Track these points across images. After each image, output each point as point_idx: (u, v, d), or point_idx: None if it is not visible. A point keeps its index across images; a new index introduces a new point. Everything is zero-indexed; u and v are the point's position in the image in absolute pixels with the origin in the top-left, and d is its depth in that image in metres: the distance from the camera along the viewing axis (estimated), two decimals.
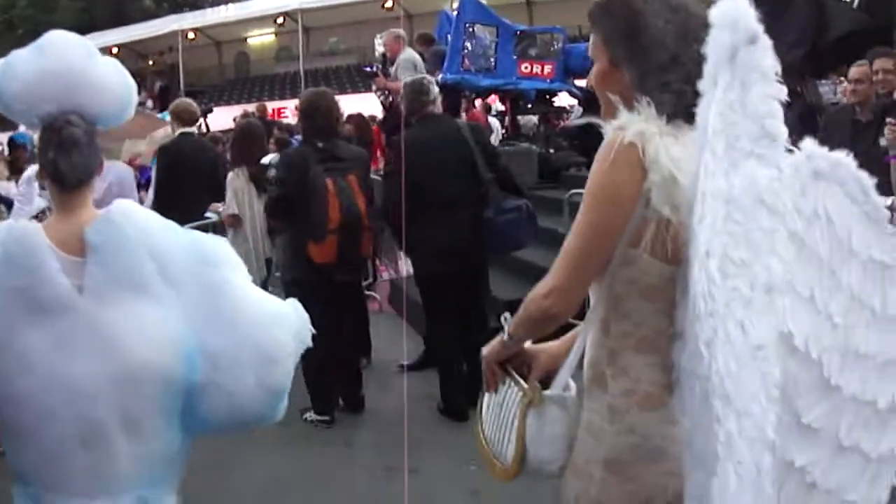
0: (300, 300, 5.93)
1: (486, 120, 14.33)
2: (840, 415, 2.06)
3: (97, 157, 2.98)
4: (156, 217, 2.99)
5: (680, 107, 2.10)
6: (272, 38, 46.42)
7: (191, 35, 40.70)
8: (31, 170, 7.58)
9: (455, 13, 12.03)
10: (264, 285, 7.16)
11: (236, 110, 19.38)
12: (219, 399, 2.91)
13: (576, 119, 12.95)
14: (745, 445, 1.81)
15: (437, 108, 6.55)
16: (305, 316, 3.18)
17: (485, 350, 2.46)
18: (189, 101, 8.85)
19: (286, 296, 6.24)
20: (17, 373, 2.78)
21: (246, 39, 46.98)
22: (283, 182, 6.26)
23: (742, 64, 1.82)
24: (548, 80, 12.20)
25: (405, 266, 10.03)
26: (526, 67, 12.08)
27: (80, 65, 2.92)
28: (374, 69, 9.99)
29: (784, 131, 1.86)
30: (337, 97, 6.58)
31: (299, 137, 7.69)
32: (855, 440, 2.09)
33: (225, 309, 2.92)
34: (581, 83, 11.99)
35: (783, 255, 1.88)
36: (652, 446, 2.19)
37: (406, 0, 29.56)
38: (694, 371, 1.92)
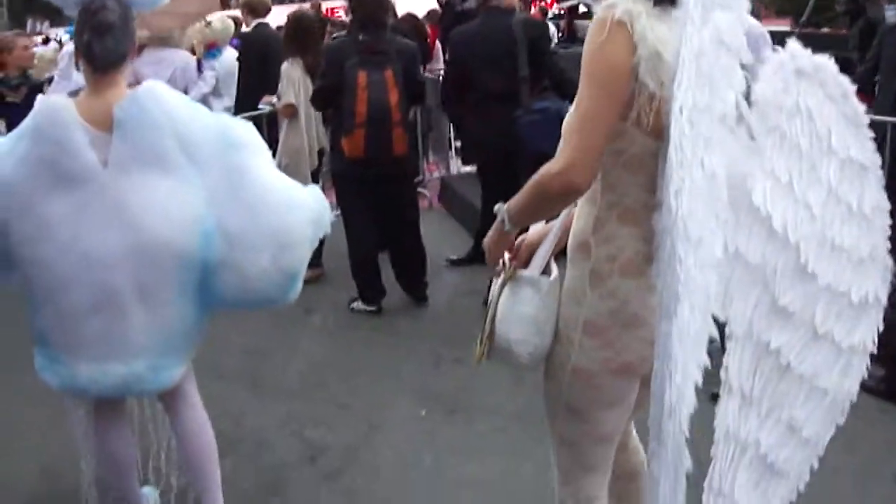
0: (339, 191, 6.05)
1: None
2: (815, 302, 2.20)
3: (131, 40, 3.11)
4: (183, 99, 3.13)
5: None
6: None
7: None
8: (70, 46, 7.66)
9: None
10: (315, 176, 7.24)
11: (291, 9, 19.25)
12: (234, 278, 3.08)
13: None
14: (699, 274, 1.95)
15: (502, 1, 6.44)
16: (326, 204, 3.31)
17: (486, 239, 2.51)
18: None
19: (333, 187, 6.40)
20: (38, 238, 2.96)
21: None
22: (323, 73, 6.34)
23: None
24: None
25: (456, 164, 10.07)
26: None
27: None
28: None
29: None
30: None
31: None
32: (828, 328, 2.23)
33: (245, 191, 3.05)
34: None
35: (738, 88, 2.01)
36: (630, 312, 2.31)
37: None
38: (665, 227, 2.03)
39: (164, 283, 3.05)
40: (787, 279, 2.14)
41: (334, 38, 8.98)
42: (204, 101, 7.61)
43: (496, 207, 2.42)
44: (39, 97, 3.12)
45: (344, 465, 4.33)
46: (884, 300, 2.36)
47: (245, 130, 3.18)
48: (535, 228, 2.56)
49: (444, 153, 10.24)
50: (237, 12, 9.83)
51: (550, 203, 2.29)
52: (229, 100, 8.14)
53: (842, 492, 3.80)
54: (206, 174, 3.04)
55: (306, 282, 6.98)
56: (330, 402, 5.06)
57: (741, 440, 2.17)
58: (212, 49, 8.33)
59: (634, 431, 2.79)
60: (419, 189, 8.78)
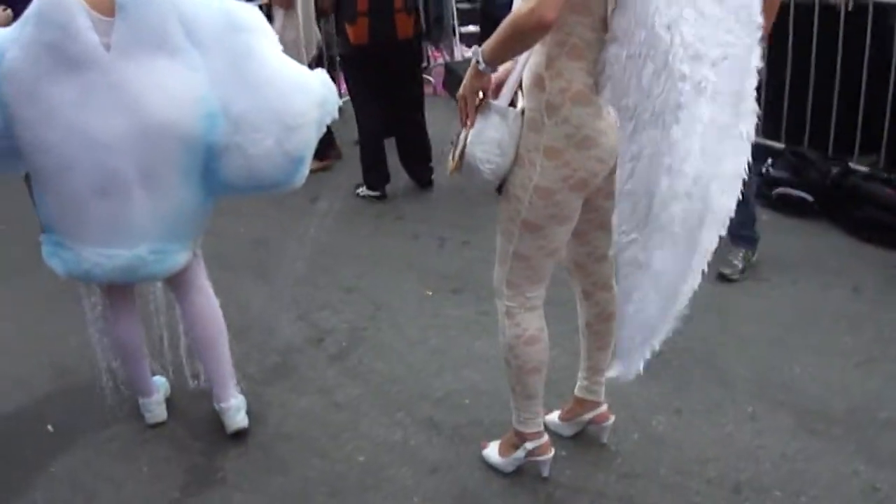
0: (347, 75, 6.01)
1: None
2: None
3: None
4: None
5: None
6: None
7: None
8: None
9: None
10: (313, 66, 7.15)
11: None
12: (238, 161, 3.10)
13: None
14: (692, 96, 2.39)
15: None
16: (332, 87, 3.28)
17: (462, 87, 2.76)
18: None
19: (342, 70, 6.38)
20: (41, 122, 2.98)
21: None
22: None
23: None
24: None
25: (460, 50, 9.96)
26: None
27: None
28: None
29: None
30: None
31: None
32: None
33: (249, 74, 3.04)
34: None
35: None
36: (583, 135, 2.66)
37: None
38: (647, 55, 2.43)
39: (167, 167, 3.07)
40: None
41: None
42: None
43: (472, 50, 2.74)
44: None
45: (350, 345, 4.39)
46: (752, 136, 2.62)
47: (251, 14, 3.15)
48: (504, 67, 2.79)
49: (449, 39, 10.13)
50: None
51: (523, 39, 2.54)
52: None
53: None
54: (210, 57, 3.04)
55: (314, 171, 7.08)
56: (335, 286, 5.11)
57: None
58: None
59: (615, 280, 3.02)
60: (424, 76, 8.70)
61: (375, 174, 6.56)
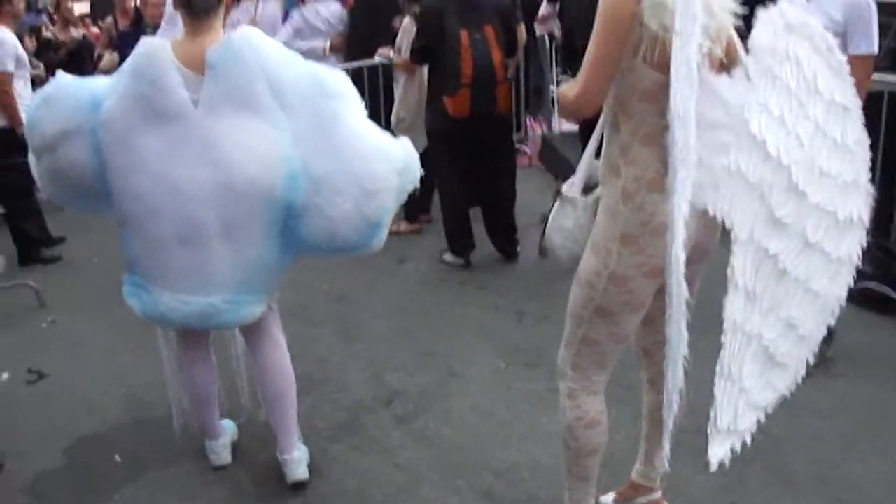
0: (436, 148, 5.92)
1: None
2: (806, 217, 2.58)
3: None
4: (277, 45, 3.23)
5: None
6: None
7: None
8: None
9: None
10: None
11: None
12: (318, 221, 3.18)
13: None
14: (683, 143, 2.39)
15: None
16: (414, 154, 3.35)
17: None
18: None
19: (429, 143, 6.42)
20: (131, 170, 3.16)
21: None
22: (420, 32, 6.33)
23: None
24: None
25: (558, 122, 10.01)
26: None
27: None
28: None
29: None
30: None
31: None
32: (819, 240, 2.62)
33: (333, 138, 3.13)
34: None
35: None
36: (658, 222, 2.65)
37: None
38: (670, 145, 2.45)
39: (247, 221, 3.18)
40: (782, 195, 2.51)
41: None
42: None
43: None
44: (142, 39, 3.27)
45: (419, 409, 4.43)
46: (866, 221, 2.83)
47: (338, 80, 3.25)
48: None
49: (547, 110, 10.20)
50: None
51: (565, 115, 2.79)
52: (318, 42, 8.19)
53: None
54: (296, 118, 3.14)
55: (403, 233, 7.15)
56: (412, 349, 5.17)
57: (747, 332, 2.54)
58: None
59: None
60: (519, 146, 8.78)
61: (460, 242, 6.61)
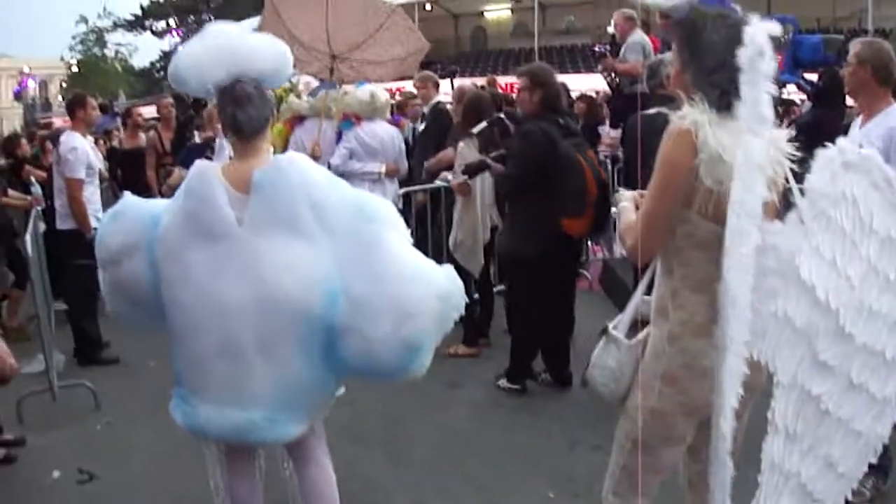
0: (534, 275, 6.09)
1: None
2: (852, 358, 2.55)
3: (269, 108, 3.42)
4: (323, 171, 3.36)
5: (725, 100, 2.70)
6: (508, 13, 46.54)
7: (428, 6, 41.23)
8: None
9: None
10: (486, 251, 7.42)
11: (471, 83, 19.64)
12: (356, 343, 3.20)
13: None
14: (737, 326, 2.48)
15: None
16: (459, 282, 3.35)
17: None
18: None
19: (513, 274, 6.40)
20: (179, 283, 3.25)
21: (482, 13, 47.16)
22: (529, 160, 6.13)
23: (755, 70, 2.45)
24: None
25: (619, 246, 10.00)
26: None
27: (236, 38, 3.37)
28: (603, 50, 9.93)
29: (771, 114, 2.48)
30: (571, 76, 6.59)
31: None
32: (863, 380, 2.58)
33: (374, 261, 3.18)
34: (811, 76, 11.51)
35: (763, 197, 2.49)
36: (700, 366, 2.79)
37: None
38: (723, 293, 2.55)
39: (286, 339, 3.21)
40: (828, 339, 2.53)
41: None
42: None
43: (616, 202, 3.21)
44: (197, 161, 3.40)
45: None
46: None
47: (381, 205, 3.33)
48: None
49: (608, 235, 10.21)
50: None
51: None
52: (365, 166, 8.27)
53: None
54: (337, 241, 3.20)
55: (461, 356, 7.13)
56: (460, 474, 5.12)
57: (785, 471, 2.59)
58: (346, 119, 8.45)
59: None
60: (581, 270, 8.79)
61: (523, 370, 6.55)
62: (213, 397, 3.29)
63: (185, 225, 3.27)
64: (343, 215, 3.23)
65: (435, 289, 3.26)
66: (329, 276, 3.18)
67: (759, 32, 2.49)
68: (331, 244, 3.20)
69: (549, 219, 6.08)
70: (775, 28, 2.55)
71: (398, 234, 3.31)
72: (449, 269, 3.38)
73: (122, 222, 3.52)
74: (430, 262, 3.36)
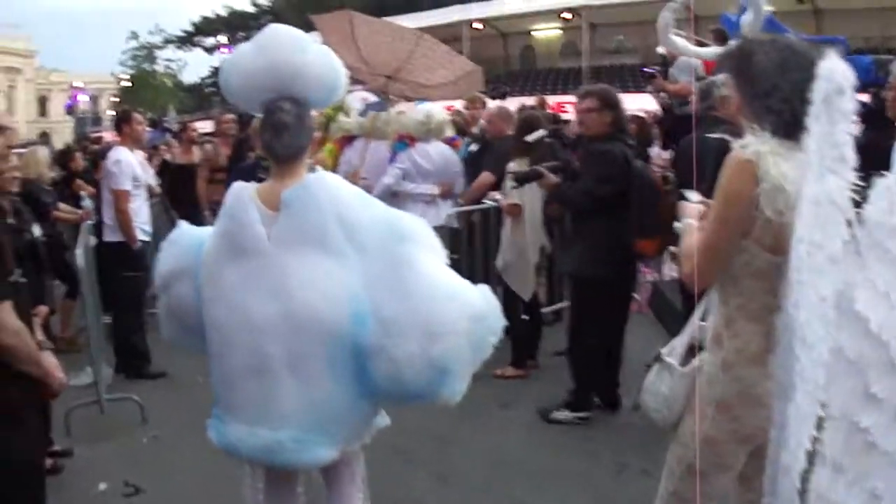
0: (603, 299, 6.08)
1: None
2: None
3: (307, 136, 3.37)
4: (353, 190, 3.29)
5: (780, 124, 2.74)
6: (558, 32, 46.56)
7: (477, 25, 41.39)
8: None
9: (738, 15, 11.69)
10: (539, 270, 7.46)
11: (519, 102, 19.62)
12: (384, 364, 3.10)
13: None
14: (811, 369, 2.39)
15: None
16: (495, 304, 3.25)
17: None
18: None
19: (583, 295, 6.35)
20: (215, 301, 3.24)
21: (531, 32, 47.25)
22: (608, 179, 6.06)
23: (832, 107, 2.36)
24: None
25: (669, 268, 9.93)
26: None
27: (292, 58, 3.28)
28: (653, 71, 9.87)
29: (853, 156, 2.37)
30: (620, 96, 6.50)
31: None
32: None
33: (404, 280, 3.10)
34: (862, 97, 11.34)
35: (843, 237, 2.38)
36: (754, 394, 2.83)
37: (695, 2, 29.02)
38: (785, 328, 2.52)
39: (314, 358, 3.14)
40: (879, 371, 2.45)
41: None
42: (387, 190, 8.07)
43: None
44: (235, 182, 3.43)
45: None
46: None
47: (415, 225, 3.25)
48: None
49: (658, 257, 10.14)
50: None
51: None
52: (418, 188, 8.29)
53: None
54: (369, 260, 3.14)
55: (510, 377, 7.09)
56: (507, 497, 5.07)
57: (831, 503, 2.51)
58: (401, 140, 8.45)
59: None
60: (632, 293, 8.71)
61: (588, 396, 6.42)
62: (243, 416, 3.23)
63: (221, 244, 3.28)
64: (374, 234, 3.17)
65: (468, 309, 3.15)
66: (357, 296, 3.12)
67: (840, 69, 2.41)
68: (361, 263, 3.14)
69: (623, 239, 6.02)
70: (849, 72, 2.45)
71: (432, 255, 3.24)
72: (485, 289, 3.27)
73: (175, 248, 3.57)
74: (465, 283, 3.26)
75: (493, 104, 10.18)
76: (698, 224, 3.12)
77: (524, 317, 7.50)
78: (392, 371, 3.11)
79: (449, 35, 42.11)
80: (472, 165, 8.59)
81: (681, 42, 6.09)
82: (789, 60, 2.77)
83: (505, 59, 47.00)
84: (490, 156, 8.07)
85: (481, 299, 3.21)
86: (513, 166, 7.27)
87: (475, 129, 9.43)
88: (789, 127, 2.65)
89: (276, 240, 3.17)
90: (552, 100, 18.62)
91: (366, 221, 3.18)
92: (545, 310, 8.45)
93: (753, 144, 2.75)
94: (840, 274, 2.42)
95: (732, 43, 3.28)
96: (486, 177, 7.95)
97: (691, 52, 4.83)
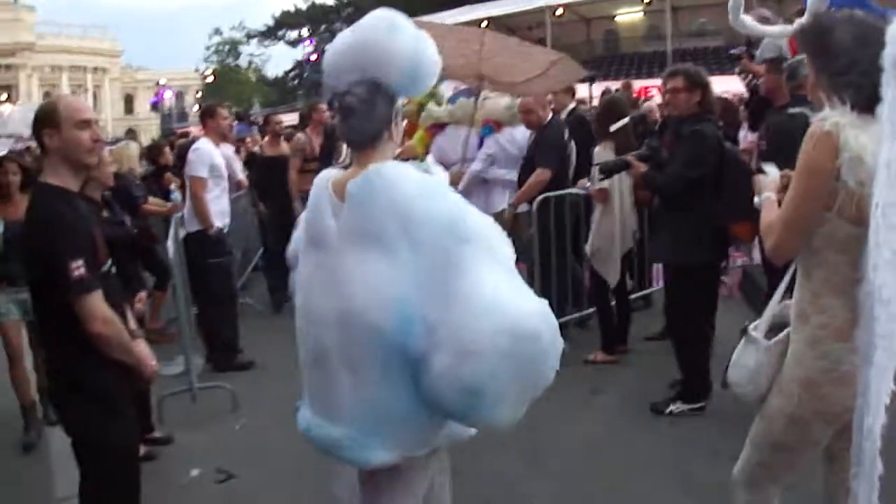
0: (703, 284, 6.03)
1: None
2: None
3: (378, 122, 3.15)
4: (417, 182, 3.03)
5: (860, 98, 2.73)
6: (641, 16, 46.10)
7: (559, 11, 41.10)
8: None
9: None
10: (630, 255, 7.47)
11: (604, 86, 19.47)
12: (424, 375, 2.90)
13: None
14: (889, 325, 2.47)
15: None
16: (552, 322, 2.86)
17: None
18: None
19: (682, 282, 6.18)
20: (296, 288, 3.26)
21: (614, 17, 46.86)
22: (702, 162, 5.91)
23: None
24: None
25: (758, 253, 9.76)
26: None
27: (379, 38, 3.12)
28: (740, 51, 9.68)
29: None
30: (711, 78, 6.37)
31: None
32: None
33: (450, 285, 2.86)
34: None
35: None
36: (841, 371, 2.82)
37: None
38: (867, 294, 2.56)
39: (364, 355, 3.01)
40: None
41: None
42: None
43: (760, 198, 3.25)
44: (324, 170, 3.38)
45: None
46: None
47: (479, 225, 2.98)
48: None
49: (752, 240, 9.96)
50: None
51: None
52: (507, 173, 8.27)
53: None
54: (422, 258, 2.91)
55: (600, 362, 7.05)
56: (599, 484, 5.04)
57: None
58: (487, 125, 8.40)
59: None
60: (721, 277, 8.59)
61: (706, 384, 6.24)
62: (312, 404, 3.20)
63: (304, 233, 3.26)
64: (432, 230, 2.92)
65: (507, 326, 2.79)
66: (407, 298, 2.91)
67: None
68: (415, 261, 2.93)
69: (715, 223, 5.89)
70: None
71: (490, 259, 2.93)
72: (542, 307, 2.87)
73: (299, 230, 3.48)
74: (517, 297, 2.89)
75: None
76: (777, 197, 3.14)
77: (612, 303, 7.50)
78: (428, 384, 2.90)
79: (531, 21, 41.98)
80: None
81: (749, 21, 6.03)
82: (867, 35, 2.76)
83: (588, 44, 46.64)
84: (541, 148, 7.80)
85: (533, 317, 2.84)
86: (598, 151, 7.20)
87: (563, 116, 9.29)
88: (868, 100, 2.65)
89: (340, 232, 3.08)
90: (637, 84, 18.44)
91: (424, 216, 2.93)
92: (634, 295, 8.36)
93: (833, 117, 2.77)
94: None
95: (801, 20, 3.18)
96: (541, 174, 7.64)
97: (758, 31, 4.71)
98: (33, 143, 4.70)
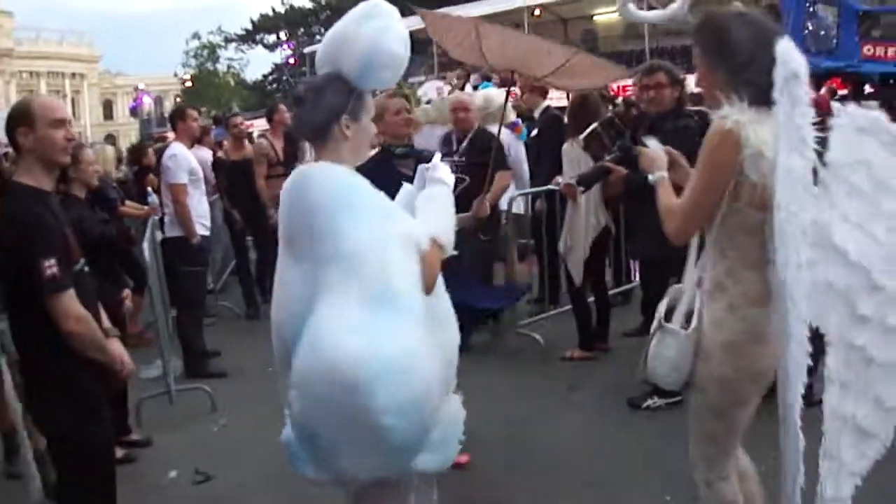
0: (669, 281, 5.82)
1: (829, 105, 13.59)
2: (885, 306, 2.82)
3: (325, 111, 3.00)
4: (337, 188, 2.91)
5: (758, 94, 2.86)
6: (618, 15, 46.16)
7: (536, 11, 41.08)
8: None
9: None
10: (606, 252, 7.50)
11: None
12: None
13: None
14: (797, 324, 2.71)
15: None
16: (402, 384, 2.76)
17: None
18: None
19: (651, 276, 6.22)
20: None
21: (592, 17, 46.85)
22: (689, 157, 5.90)
23: (790, 91, 2.64)
24: (893, 63, 11.42)
25: None
26: (869, 49, 11.38)
27: (348, 28, 3.05)
28: None
29: (812, 135, 2.66)
30: (688, 75, 6.38)
31: None
32: None
33: (310, 310, 2.84)
34: None
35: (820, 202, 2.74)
36: (759, 331, 3.03)
37: None
38: (778, 282, 2.78)
39: (286, 369, 2.99)
40: (864, 294, 2.80)
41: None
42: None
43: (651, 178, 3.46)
44: None
45: None
46: None
47: (366, 241, 2.83)
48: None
49: None
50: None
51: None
52: None
53: None
54: (318, 275, 2.84)
55: (577, 359, 7.05)
56: (576, 477, 5.05)
57: (841, 416, 2.85)
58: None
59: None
60: None
61: None
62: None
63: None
64: (328, 246, 2.83)
65: (328, 375, 2.74)
66: (296, 312, 2.87)
67: (793, 54, 2.65)
68: (315, 276, 2.84)
69: None
70: (801, 58, 2.68)
71: (365, 290, 2.78)
72: (370, 347, 2.72)
73: None
74: (348, 336, 2.74)
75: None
76: (669, 176, 3.42)
77: (591, 299, 7.52)
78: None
79: (509, 22, 41.87)
80: (531, 151, 8.56)
81: (633, 9, 5.95)
82: (763, 34, 2.95)
83: (566, 44, 46.55)
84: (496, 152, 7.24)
85: (371, 370, 2.70)
86: (566, 149, 7.21)
87: (536, 115, 9.29)
88: (764, 96, 2.76)
89: (280, 236, 3.04)
90: (615, 83, 18.40)
91: (328, 228, 2.83)
92: (612, 291, 8.38)
93: (733, 115, 2.94)
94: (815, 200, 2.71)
95: (674, 6, 3.44)
96: (503, 177, 7.38)
97: (641, 18, 4.71)
98: (11, 150, 4.62)
